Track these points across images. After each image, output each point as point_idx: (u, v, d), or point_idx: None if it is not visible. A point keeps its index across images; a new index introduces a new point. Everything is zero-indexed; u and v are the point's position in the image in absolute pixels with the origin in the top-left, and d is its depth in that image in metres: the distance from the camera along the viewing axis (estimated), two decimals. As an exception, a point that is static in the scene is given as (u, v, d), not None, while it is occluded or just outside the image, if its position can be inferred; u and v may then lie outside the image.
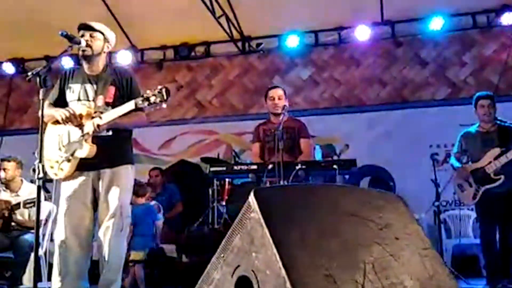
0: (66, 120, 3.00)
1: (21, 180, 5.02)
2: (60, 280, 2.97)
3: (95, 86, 3.13)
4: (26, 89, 7.94)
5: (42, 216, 4.91)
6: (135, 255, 4.97)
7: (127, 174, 3.15)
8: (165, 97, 2.79)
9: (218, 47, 7.46)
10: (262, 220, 1.54)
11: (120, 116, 2.94)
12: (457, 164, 4.64)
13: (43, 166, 2.77)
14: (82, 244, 3.04)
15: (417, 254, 1.67)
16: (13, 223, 4.76)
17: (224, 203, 5.37)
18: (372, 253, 1.59)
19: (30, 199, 4.64)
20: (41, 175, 2.73)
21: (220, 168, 4.28)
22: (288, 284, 1.41)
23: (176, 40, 7.40)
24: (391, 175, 6.35)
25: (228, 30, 6.95)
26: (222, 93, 7.49)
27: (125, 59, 7.30)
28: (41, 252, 4.99)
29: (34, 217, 4.80)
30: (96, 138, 3.02)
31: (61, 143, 3.08)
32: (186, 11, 6.48)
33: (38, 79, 2.79)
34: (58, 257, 3.01)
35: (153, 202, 5.80)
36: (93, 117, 2.99)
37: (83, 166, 3.06)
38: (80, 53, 3.11)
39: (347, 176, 5.24)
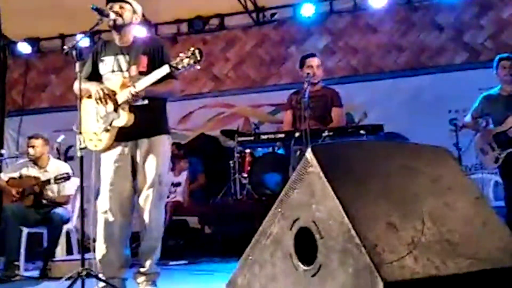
0: (100, 100, 3.04)
1: (48, 157, 5.11)
2: (106, 247, 3.06)
3: (127, 56, 3.17)
4: (43, 68, 7.97)
5: (71, 191, 5.02)
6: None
7: (164, 143, 3.20)
8: (198, 58, 2.80)
9: (232, 19, 7.39)
10: (321, 174, 1.59)
11: (154, 83, 2.97)
12: (468, 120, 4.71)
13: (84, 138, 2.84)
14: (125, 212, 3.11)
15: (470, 203, 1.72)
16: (43, 200, 4.86)
17: (245, 174, 5.45)
18: (428, 203, 1.64)
19: (60, 174, 4.74)
20: (82, 145, 2.80)
21: (248, 138, 4.33)
22: (352, 232, 1.46)
23: (190, 14, 7.35)
24: (410, 141, 6.35)
25: (242, 1, 6.89)
26: (238, 66, 7.45)
27: (139, 34, 7.26)
28: (71, 226, 5.12)
29: (63, 192, 4.96)
30: (133, 108, 3.05)
31: (98, 115, 3.12)
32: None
33: (74, 52, 2.84)
34: (102, 225, 3.08)
35: (185, 172, 5.95)
36: (128, 87, 3.02)
37: (122, 136, 3.10)
38: (111, 23, 3.14)
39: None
